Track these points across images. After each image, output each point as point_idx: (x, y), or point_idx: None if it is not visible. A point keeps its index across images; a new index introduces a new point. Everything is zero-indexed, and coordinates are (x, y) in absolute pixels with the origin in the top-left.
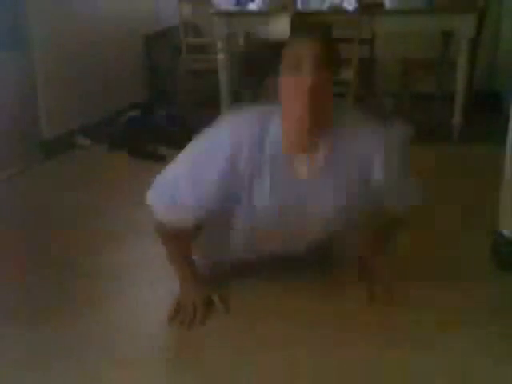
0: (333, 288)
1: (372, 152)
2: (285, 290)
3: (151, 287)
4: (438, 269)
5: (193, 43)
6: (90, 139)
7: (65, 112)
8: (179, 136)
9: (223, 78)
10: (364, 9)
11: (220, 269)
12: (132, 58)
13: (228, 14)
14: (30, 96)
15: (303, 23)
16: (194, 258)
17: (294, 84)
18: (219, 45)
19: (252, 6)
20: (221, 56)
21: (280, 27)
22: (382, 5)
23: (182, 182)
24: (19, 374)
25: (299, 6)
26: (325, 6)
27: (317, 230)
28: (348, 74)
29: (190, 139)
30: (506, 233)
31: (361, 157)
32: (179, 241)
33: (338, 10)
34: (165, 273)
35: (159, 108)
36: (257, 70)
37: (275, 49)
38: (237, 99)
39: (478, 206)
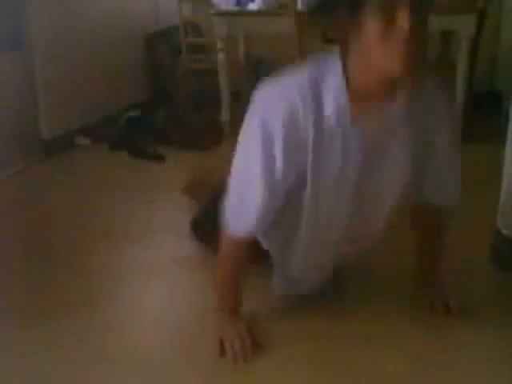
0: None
1: (439, 120)
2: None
3: (151, 287)
4: None
5: (193, 43)
6: (89, 139)
7: (65, 112)
8: (179, 136)
9: (223, 78)
10: None
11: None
12: (132, 57)
13: (228, 14)
14: (30, 96)
15: None
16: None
17: (392, 32)
18: (219, 45)
19: (252, 6)
20: (221, 56)
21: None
22: None
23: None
24: (19, 373)
25: (299, 6)
26: None
27: (382, 223)
28: None
29: (190, 139)
30: (505, 232)
31: (429, 121)
32: (239, 261)
33: None
34: (165, 273)
35: (159, 108)
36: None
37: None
38: (237, 99)
39: (477, 206)
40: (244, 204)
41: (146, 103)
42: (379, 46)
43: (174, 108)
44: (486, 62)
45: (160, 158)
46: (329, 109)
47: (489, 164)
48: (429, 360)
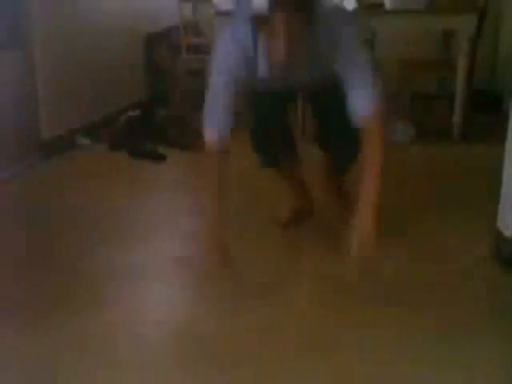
0: None
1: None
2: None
3: (151, 287)
4: (438, 268)
5: (193, 43)
6: (89, 139)
7: (65, 112)
8: (179, 136)
9: None
10: (364, 9)
11: None
12: (132, 57)
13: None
14: (30, 96)
15: None
16: None
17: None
18: None
19: None
20: None
21: None
22: (382, 5)
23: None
24: (19, 373)
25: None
26: None
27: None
28: None
29: (190, 139)
30: (506, 232)
31: (330, 42)
32: (221, 174)
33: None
34: (164, 273)
35: (159, 108)
36: None
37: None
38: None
39: (477, 206)
40: (213, 106)
41: (146, 103)
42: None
43: (174, 108)
44: (486, 62)
45: (160, 158)
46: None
47: (489, 164)
48: (429, 360)
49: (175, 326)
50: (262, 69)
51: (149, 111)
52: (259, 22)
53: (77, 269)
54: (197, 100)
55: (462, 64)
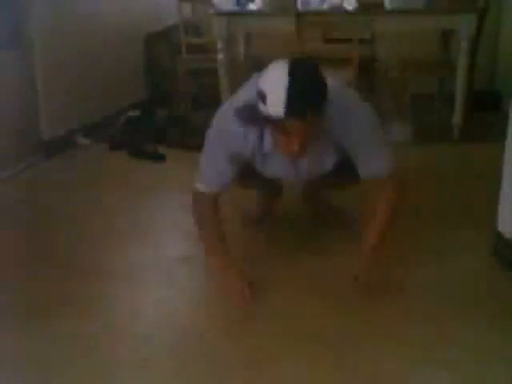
0: None
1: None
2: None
3: (151, 287)
4: (438, 269)
5: (193, 43)
6: (90, 139)
7: (65, 112)
8: (179, 136)
9: (223, 78)
10: (364, 9)
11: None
12: (132, 57)
13: (228, 14)
14: (30, 96)
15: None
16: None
17: (285, 144)
18: (219, 45)
19: (252, 6)
20: (221, 56)
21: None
22: (382, 5)
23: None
24: (19, 373)
25: (299, 5)
26: (325, 6)
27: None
28: (348, 73)
29: (190, 139)
30: (506, 233)
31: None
32: (214, 215)
33: (338, 10)
34: (165, 273)
35: (159, 108)
36: None
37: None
38: None
39: (478, 206)
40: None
41: (146, 103)
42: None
43: (174, 108)
44: (486, 62)
45: (160, 158)
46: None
47: (489, 164)
48: (429, 360)
49: (175, 326)
50: (270, 160)
51: (149, 111)
52: (269, 124)
53: (76, 269)
54: (197, 100)
55: (461, 64)
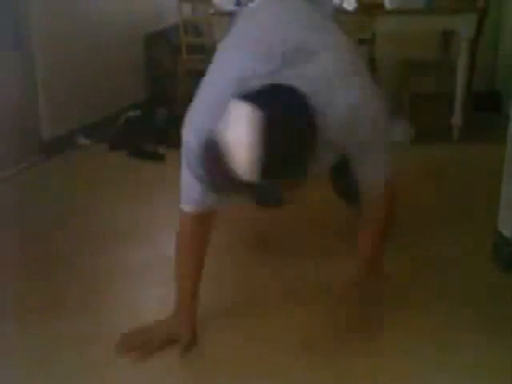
0: None
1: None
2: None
3: (151, 287)
4: (438, 269)
5: (193, 43)
6: (90, 139)
7: (65, 112)
8: (179, 136)
9: None
10: (364, 9)
11: None
12: (132, 57)
13: (228, 14)
14: (31, 96)
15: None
16: None
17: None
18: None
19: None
20: None
21: None
22: (382, 5)
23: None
24: (19, 373)
25: None
26: None
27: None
28: None
29: None
30: (505, 233)
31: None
32: (194, 240)
33: (337, 10)
34: (165, 273)
35: (159, 108)
36: None
37: None
38: None
39: (477, 206)
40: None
41: (146, 103)
42: None
43: (174, 108)
44: (486, 62)
45: (160, 158)
46: None
47: (489, 164)
48: (429, 360)
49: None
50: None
51: (149, 111)
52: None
53: (76, 269)
54: None
55: (461, 64)
